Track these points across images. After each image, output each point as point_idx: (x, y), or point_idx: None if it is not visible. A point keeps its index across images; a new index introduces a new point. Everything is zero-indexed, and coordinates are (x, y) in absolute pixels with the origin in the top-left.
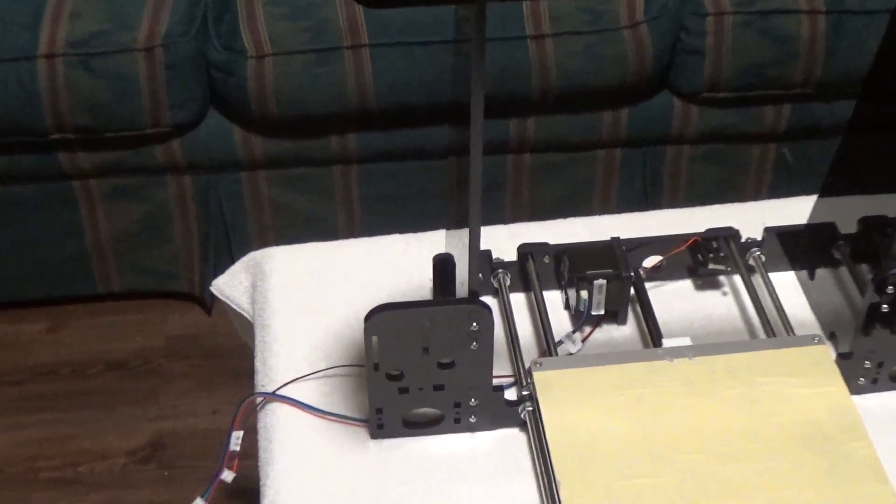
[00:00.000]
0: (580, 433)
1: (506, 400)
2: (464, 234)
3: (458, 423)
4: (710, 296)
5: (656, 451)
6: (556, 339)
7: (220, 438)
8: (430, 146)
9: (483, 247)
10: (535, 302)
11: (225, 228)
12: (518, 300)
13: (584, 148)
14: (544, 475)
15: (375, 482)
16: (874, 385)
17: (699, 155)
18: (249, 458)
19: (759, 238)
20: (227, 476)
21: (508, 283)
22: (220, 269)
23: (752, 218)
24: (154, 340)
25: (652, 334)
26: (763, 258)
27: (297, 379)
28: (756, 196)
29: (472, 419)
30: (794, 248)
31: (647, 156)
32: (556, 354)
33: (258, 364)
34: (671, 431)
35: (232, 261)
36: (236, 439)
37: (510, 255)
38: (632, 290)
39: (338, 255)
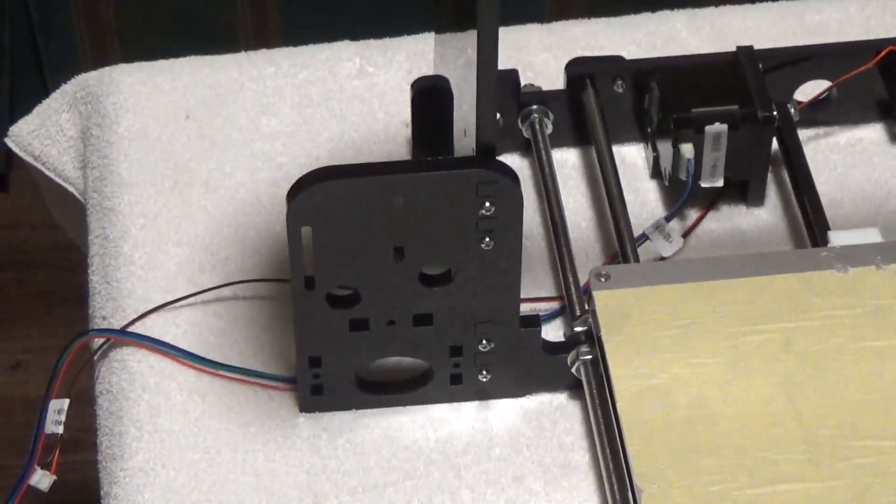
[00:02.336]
0: (678, 403)
1: (544, 342)
2: (467, 39)
3: (457, 385)
4: None
5: (813, 434)
6: (638, 233)
7: (26, 412)
8: None
9: (504, 64)
10: (597, 165)
11: (30, 29)
12: (568, 161)
13: None
14: (613, 475)
15: (305, 492)
16: None
17: None
18: (81, 447)
19: None
20: (42, 480)
21: (550, 130)
22: (20, 106)
23: None
24: None
25: (810, 223)
26: None
27: (163, 305)
28: None
29: (484, 377)
30: None
31: None
32: (638, 260)
33: (95, 280)
34: (842, 399)
35: (45, 90)
36: (57, 414)
37: (553, 80)
38: (774, 144)
39: (235, 79)
